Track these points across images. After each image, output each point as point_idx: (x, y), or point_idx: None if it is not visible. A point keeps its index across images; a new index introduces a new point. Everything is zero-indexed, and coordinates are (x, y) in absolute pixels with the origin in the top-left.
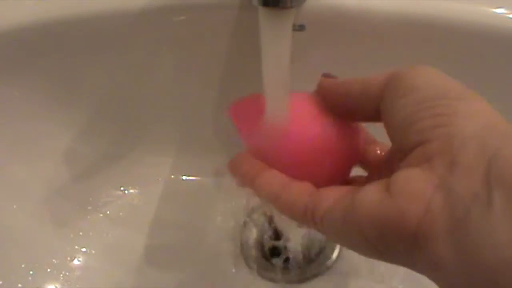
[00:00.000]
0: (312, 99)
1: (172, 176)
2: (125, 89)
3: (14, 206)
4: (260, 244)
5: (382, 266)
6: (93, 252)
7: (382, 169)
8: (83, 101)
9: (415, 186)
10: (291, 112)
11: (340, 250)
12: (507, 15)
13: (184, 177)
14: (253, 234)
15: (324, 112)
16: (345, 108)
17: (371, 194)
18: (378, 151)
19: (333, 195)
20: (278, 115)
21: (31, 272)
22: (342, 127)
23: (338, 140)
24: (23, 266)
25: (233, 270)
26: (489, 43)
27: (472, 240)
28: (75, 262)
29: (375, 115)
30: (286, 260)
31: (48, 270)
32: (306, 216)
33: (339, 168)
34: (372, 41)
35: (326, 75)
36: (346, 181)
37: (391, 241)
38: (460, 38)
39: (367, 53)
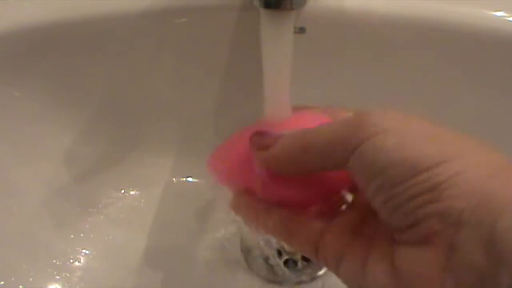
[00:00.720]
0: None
1: (173, 178)
2: (126, 90)
3: (15, 207)
4: (260, 246)
5: None
6: (94, 253)
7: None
8: (84, 102)
9: (425, 271)
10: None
11: None
12: (507, 18)
13: (184, 179)
14: (253, 236)
15: None
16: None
17: (381, 278)
18: None
19: (339, 243)
20: (278, 114)
21: (32, 273)
22: None
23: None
24: (24, 267)
25: (234, 272)
26: (489, 45)
27: None
28: (76, 263)
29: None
30: (287, 262)
31: (49, 271)
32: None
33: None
34: (372, 44)
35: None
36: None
37: None
38: (459, 41)
39: (367, 55)
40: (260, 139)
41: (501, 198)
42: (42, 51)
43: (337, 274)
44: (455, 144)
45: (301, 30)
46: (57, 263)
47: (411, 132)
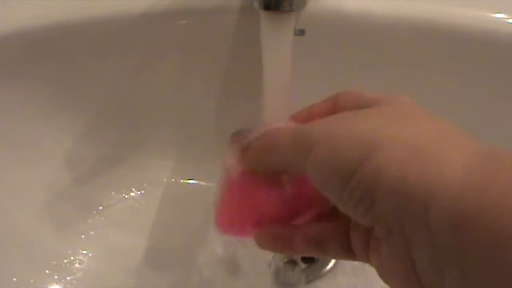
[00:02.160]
0: None
1: (173, 180)
2: (126, 92)
3: (16, 209)
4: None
5: None
6: (95, 255)
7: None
8: (85, 105)
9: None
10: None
11: None
12: (507, 20)
13: (185, 181)
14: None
15: None
16: None
17: None
18: None
19: None
20: (277, 118)
21: (33, 275)
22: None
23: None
24: (25, 268)
25: (234, 274)
26: (488, 47)
27: None
28: (77, 264)
29: None
30: (289, 262)
31: (50, 272)
32: None
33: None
34: (372, 46)
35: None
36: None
37: None
38: (459, 43)
39: (366, 57)
40: (238, 139)
41: (432, 178)
42: (43, 54)
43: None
44: (376, 131)
45: (301, 32)
46: (58, 264)
47: (338, 137)
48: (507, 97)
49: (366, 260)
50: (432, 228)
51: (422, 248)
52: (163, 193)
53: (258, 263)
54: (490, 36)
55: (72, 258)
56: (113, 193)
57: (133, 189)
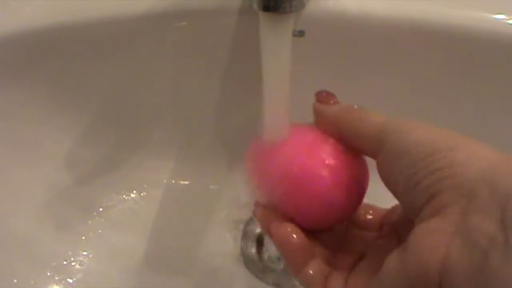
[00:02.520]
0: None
1: (173, 181)
2: (126, 93)
3: (16, 209)
4: (260, 248)
5: None
6: (95, 256)
7: (395, 231)
8: (85, 106)
9: (432, 237)
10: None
11: None
12: (507, 21)
13: (184, 182)
14: (253, 239)
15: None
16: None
17: (393, 260)
18: (370, 216)
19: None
20: (277, 121)
21: (33, 275)
22: (346, 159)
23: (343, 172)
24: (25, 269)
25: (233, 275)
26: (489, 48)
27: (492, 285)
28: (77, 265)
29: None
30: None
31: (50, 273)
32: None
33: (346, 200)
34: (372, 47)
35: (320, 95)
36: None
37: None
38: (460, 44)
39: (366, 59)
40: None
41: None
42: (43, 55)
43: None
44: (461, 137)
45: (300, 33)
46: (58, 265)
47: (426, 126)
48: (508, 97)
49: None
50: (504, 209)
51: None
52: (163, 194)
53: (258, 265)
54: (490, 37)
55: (72, 259)
56: (113, 194)
57: (133, 190)
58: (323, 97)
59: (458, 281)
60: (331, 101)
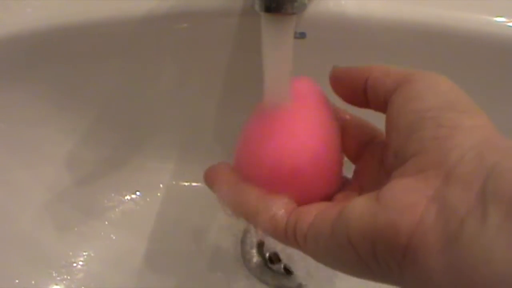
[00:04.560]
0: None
1: (173, 182)
2: (127, 95)
3: (17, 210)
4: (261, 250)
5: None
6: (95, 256)
7: (370, 176)
8: (86, 107)
9: (408, 197)
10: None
11: None
12: (507, 24)
13: (185, 183)
14: (253, 240)
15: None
16: (357, 94)
17: (362, 206)
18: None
19: (314, 211)
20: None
21: (34, 276)
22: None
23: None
24: (26, 269)
25: (234, 277)
26: (489, 51)
27: (465, 255)
28: (77, 266)
29: (384, 107)
30: (287, 266)
31: (51, 273)
32: (287, 235)
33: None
34: (373, 49)
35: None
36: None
37: (383, 255)
38: (460, 46)
39: (367, 61)
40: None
41: (506, 145)
42: (44, 56)
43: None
44: (475, 106)
45: (301, 35)
46: (59, 266)
47: (450, 84)
48: (508, 100)
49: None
50: (488, 178)
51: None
52: (164, 195)
53: (259, 266)
54: (490, 39)
55: (73, 259)
56: (113, 195)
57: (134, 191)
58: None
59: (428, 248)
60: None
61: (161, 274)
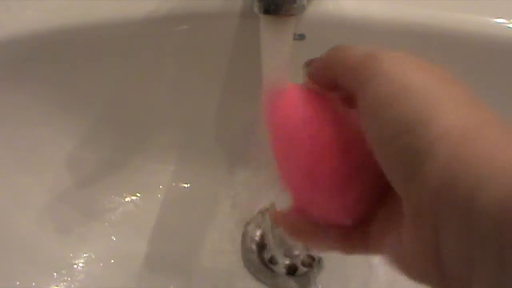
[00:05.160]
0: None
1: (173, 184)
2: (127, 97)
3: (18, 212)
4: (261, 251)
5: (381, 270)
6: (96, 258)
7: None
8: (86, 109)
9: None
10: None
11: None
12: (507, 25)
13: (184, 185)
14: (254, 241)
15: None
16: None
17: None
18: None
19: None
20: None
21: (34, 277)
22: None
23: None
24: (27, 271)
25: (234, 278)
26: (489, 52)
27: None
28: (78, 267)
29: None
30: (287, 267)
31: (51, 276)
32: None
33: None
34: None
35: (308, 63)
36: None
37: None
38: (460, 47)
39: None
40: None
41: (482, 165)
42: (45, 58)
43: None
44: (442, 98)
45: (300, 37)
46: (59, 267)
47: (405, 83)
48: (509, 101)
49: (378, 242)
50: (472, 218)
51: (455, 236)
52: (164, 197)
53: (259, 267)
54: (490, 40)
55: (73, 261)
56: (114, 196)
57: (134, 193)
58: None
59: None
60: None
61: (161, 276)
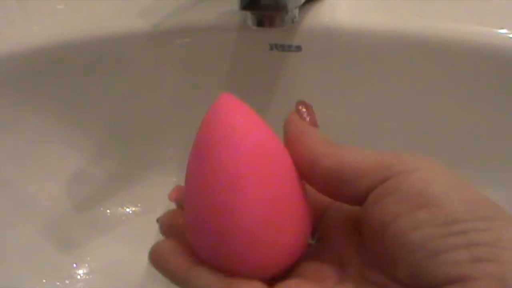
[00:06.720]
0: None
1: None
2: (131, 109)
3: (21, 223)
4: None
5: None
6: (98, 269)
7: (345, 249)
8: (90, 122)
9: None
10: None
11: None
12: (509, 35)
13: None
14: None
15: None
16: (324, 188)
17: None
18: None
19: None
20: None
21: (36, 287)
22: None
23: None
24: (28, 280)
25: None
26: (491, 63)
27: None
28: (80, 278)
29: (356, 201)
30: None
31: (54, 285)
32: None
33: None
34: (369, 63)
35: (298, 110)
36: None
37: None
38: (462, 58)
39: (364, 74)
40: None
41: None
42: (49, 72)
43: None
44: (492, 202)
45: (297, 49)
46: (62, 277)
47: (446, 178)
48: (510, 112)
49: None
50: None
51: None
52: (166, 208)
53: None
54: (492, 51)
55: (76, 271)
56: (116, 207)
57: (138, 205)
58: (299, 110)
59: None
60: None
61: (163, 287)
